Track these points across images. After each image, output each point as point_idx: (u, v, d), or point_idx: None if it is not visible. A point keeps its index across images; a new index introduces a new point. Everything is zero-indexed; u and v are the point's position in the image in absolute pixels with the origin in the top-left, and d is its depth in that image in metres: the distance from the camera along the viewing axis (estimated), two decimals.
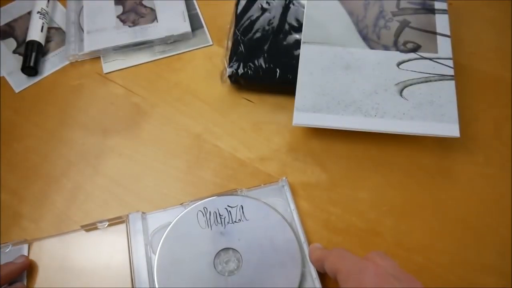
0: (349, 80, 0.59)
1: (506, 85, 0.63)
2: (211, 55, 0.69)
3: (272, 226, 0.53)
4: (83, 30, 0.71)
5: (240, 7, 0.69)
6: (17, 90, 0.67)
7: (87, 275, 0.51)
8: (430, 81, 0.59)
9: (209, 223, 0.53)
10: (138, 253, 0.51)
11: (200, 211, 0.54)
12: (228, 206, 0.54)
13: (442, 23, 0.63)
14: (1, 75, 0.68)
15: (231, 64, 0.63)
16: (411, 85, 0.58)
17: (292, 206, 0.55)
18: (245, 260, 0.50)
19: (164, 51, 0.70)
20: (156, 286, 0.49)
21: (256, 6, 0.69)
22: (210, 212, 0.53)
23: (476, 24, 0.69)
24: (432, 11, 0.65)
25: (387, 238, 0.53)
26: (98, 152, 0.61)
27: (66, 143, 0.62)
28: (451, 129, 0.55)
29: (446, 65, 0.60)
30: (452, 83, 0.58)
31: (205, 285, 0.49)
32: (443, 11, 0.64)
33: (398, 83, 0.58)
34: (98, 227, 0.54)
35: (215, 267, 0.50)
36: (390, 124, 0.55)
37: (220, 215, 0.53)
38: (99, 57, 0.70)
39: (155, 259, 0.51)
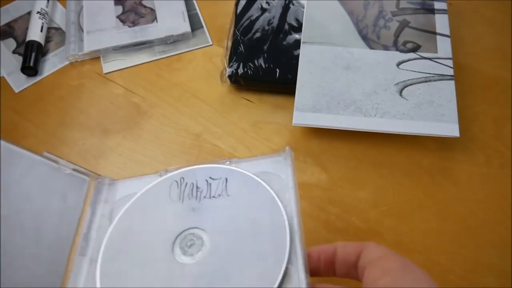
0: (349, 80, 0.59)
1: (506, 85, 0.63)
2: (211, 55, 0.69)
3: (259, 206, 0.43)
4: (83, 30, 0.71)
5: (240, 7, 0.69)
6: (17, 90, 0.67)
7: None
8: (430, 81, 0.59)
9: (181, 196, 0.44)
10: (91, 222, 0.44)
11: (176, 181, 0.45)
12: (210, 178, 0.45)
13: (442, 23, 0.63)
14: (1, 75, 0.68)
15: (231, 64, 0.63)
16: (411, 85, 0.58)
17: (291, 183, 0.43)
18: (213, 246, 0.40)
19: (164, 51, 0.70)
20: (98, 265, 0.40)
21: (256, 6, 0.69)
22: (186, 184, 0.45)
23: (476, 24, 0.69)
24: (432, 11, 0.65)
25: (387, 238, 0.53)
26: (98, 152, 0.61)
27: (66, 143, 0.62)
28: (451, 129, 0.55)
29: (446, 65, 0.60)
30: (452, 83, 0.58)
31: (155, 270, 0.40)
32: (443, 11, 0.64)
33: (398, 83, 0.58)
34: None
35: (173, 250, 0.41)
36: (390, 124, 0.55)
37: (197, 187, 0.44)
38: (99, 57, 0.70)
39: (108, 232, 0.42)
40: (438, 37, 0.62)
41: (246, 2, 0.69)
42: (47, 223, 0.41)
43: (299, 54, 0.62)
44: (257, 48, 0.65)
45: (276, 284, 0.37)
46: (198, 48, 0.70)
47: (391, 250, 0.37)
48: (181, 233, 0.42)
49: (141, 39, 0.69)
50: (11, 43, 0.72)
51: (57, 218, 0.42)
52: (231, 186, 0.44)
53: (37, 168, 0.42)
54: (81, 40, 0.70)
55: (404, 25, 0.63)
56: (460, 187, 0.56)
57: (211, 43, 0.70)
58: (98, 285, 0.39)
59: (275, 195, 0.43)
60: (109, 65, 0.69)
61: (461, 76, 0.63)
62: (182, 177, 0.45)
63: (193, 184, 0.45)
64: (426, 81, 0.59)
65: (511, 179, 0.56)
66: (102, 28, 0.71)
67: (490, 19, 0.70)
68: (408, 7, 0.65)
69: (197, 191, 0.44)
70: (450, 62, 0.60)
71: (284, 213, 0.41)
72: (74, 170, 0.45)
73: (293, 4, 0.68)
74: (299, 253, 0.38)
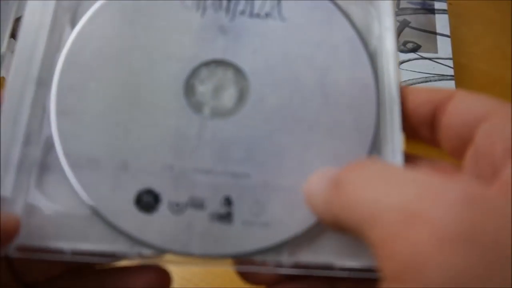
0: None
1: (506, 85, 0.61)
2: None
3: (333, 47, 0.28)
4: None
5: None
6: None
7: None
8: (430, 81, 0.58)
9: (202, 3, 0.28)
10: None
11: None
12: None
13: (442, 23, 0.62)
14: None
15: None
16: (411, 85, 0.57)
17: (388, 22, 0.29)
18: (254, 94, 0.27)
19: None
20: (52, 96, 0.27)
21: None
22: None
23: (476, 24, 0.68)
24: (432, 11, 0.64)
25: None
26: None
27: None
28: None
29: (446, 65, 0.59)
30: (452, 83, 0.57)
31: (151, 120, 0.27)
32: (443, 11, 0.63)
33: None
34: None
35: (185, 92, 0.27)
36: None
37: None
38: None
39: (68, 43, 0.27)
40: (438, 37, 0.61)
41: None
42: None
43: None
44: None
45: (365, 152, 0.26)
46: None
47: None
48: (198, 66, 0.27)
49: None
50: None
51: None
52: (287, 5, 0.28)
53: None
54: None
55: (404, 25, 0.63)
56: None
57: None
58: (52, 126, 0.26)
59: (356, 33, 0.28)
60: None
61: (461, 76, 0.61)
62: None
63: None
64: (426, 81, 0.58)
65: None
66: None
67: (490, 19, 0.68)
68: (408, 7, 0.64)
69: (229, 1, 0.28)
70: (450, 62, 0.59)
71: (367, 61, 0.28)
72: None
73: None
74: (395, 133, 0.26)
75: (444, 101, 0.25)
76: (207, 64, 0.27)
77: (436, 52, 0.59)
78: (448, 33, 0.61)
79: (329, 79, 0.27)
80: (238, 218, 0.26)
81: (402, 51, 0.60)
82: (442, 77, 0.57)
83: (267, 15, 0.28)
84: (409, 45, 0.60)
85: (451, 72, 0.58)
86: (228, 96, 0.27)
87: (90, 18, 0.28)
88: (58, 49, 0.27)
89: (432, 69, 0.58)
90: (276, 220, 0.26)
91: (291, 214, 0.26)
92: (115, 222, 0.25)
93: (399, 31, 0.62)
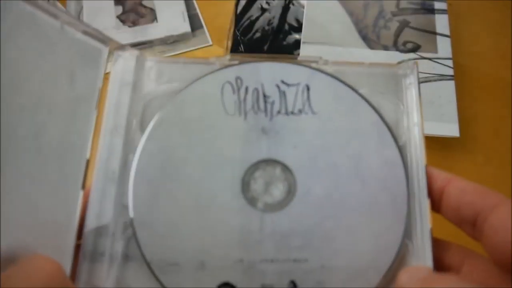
0: None
1: (506, 85, 0.63)
2: (211, 55, 0.68)
3: (363, 134, 0.31)
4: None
5: (240, 7, 0.69)
6: None
7: None
8: (430, 81, 0.59)
9: (242, 108, 0.31)
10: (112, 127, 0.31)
11: (229, 82, 0.32)
12: (282, 82, 0.32)
13: (441, 23, 0.63)
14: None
15: None
16: None
17: (416, 117, 0.31)
18: (301, 187, 0.30)
19: (164, 51, 0.69)
20: (130, 212, 0.30)
21: (256, 6, 0.68)
22: (246, 88, 0.31)
23: (476, 24, 0.69)
24: (431, 11, 0.65)
25: None
26: None
27: None
28: (451, 129, 0.55)
29: (446, 65, 0.60)
30: (452, 83, 0.59)
31: (219, 221, 0.30)
32: (442, 11, 0.65)
33: None
34: None
35: (243, 192, 0.30)
36: None
37: (265, 96, 0.31)
38: None
39: (138, 151, 0.30)
40: (438, 37, 0.62)
41: (246, 2, 0.69)
42: (50, 121, 0.27)
43: (299, 54, 0.62)
44: (257, 48, 0.64)
45: (395, 251, 0.29)
46: (198, 48, 0.70)
47: None
48: (252, 166, 0.30)
49: (141, 39, 0.69)
50: None
51: (63, 113, 0.28)
52: (316, 98, 0.31)
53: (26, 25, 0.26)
54: None
55: (404, 25, 0.64)
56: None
57: (211, 43, 0.70)
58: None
59: (384, 124, 0.31)
60: (109, 65, 0.69)
61: (461, 76, 0.63)
62: (239, 77, 0.32)
63: (257, 90, 0.31)
64: (426, 81, 0.59)
65: (510, 179, 0.56)
66: (102, 28, 0.70)
67: (490, 19, 0.69)
68: (408, 7, 0.65)
69: (265, 101, 0.31)
70: (450, 62, 0.60)
71: (396, 150, 0.31)
72: (85, 32, 0.30)
73: (293, 4, 0.68)
74: (424, 223, 0.30)
75: (487, 210, 0.27)
76: (257, 163, 0.31)
77: (436, 52, 0.61)
78: (448, 33, 0.62)
79: (363, 164, 0.31)
80: None
81: (401, 51, 0.61)
82: (442, 77, 0.59)
83: (300, 111, 0.31)
84: (409, 45, 0.62)
85: (451, 72, 0.59)
86: (278, 191, 0.31)
87: (154, 126, 0.31)
88: (132, 150, 0.31)
89: (432, 69, 0.59)
90: None
91: None
92: None
93: (399, 31, 0.63)
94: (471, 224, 0.28)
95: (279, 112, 0.31)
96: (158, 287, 0.29)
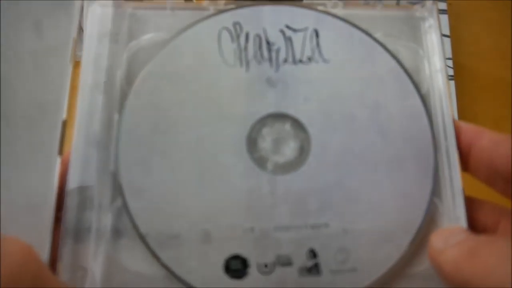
0: None
1: (506, 85, 0.61)
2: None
3: (380, 82, 0.28)
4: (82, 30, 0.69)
5: None
6: None
7: None
8: None
9: (243, 57, 0.27)
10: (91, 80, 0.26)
11: (226, 28, 0.28)
12: (287, 26, 0.28)
13: (441, 23, 0.61)
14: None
15: None
16: None
17: (439, 62, 0.29)
18: (315, 143, 0.27)
19: None
20: (119, 179, 0.26)
21: None
22: (247, 35, 0.28)
23: (475, 24, 0.68)
24: None
25: None
26: None
27: None
28: None
29: (446, 65, 0.57)
30: (452, 83, 0.57)
31: (223, 185, 0.26)
32: (442, 11, 0.63)
33: None
34: None
35: (249, 152, 0.27)
36: None
37: (268, 42, 0.28)
38: None
39: (123, 116, 0.26)
40: None
41: None
42: (13, 78, 0.24)
43: None
44: None
45: (423, 211, 0.26)
46: None
47: None
48: (258, 121, 0.27)
49: None
50: None
51: (29, 68, 0.25)
52: (326, 44, 0.28)
53: None
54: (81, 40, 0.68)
55: None
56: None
57: None
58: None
59: (404, 71, 0.28)
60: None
61: (461, 76, 0.61)
62: (238, 22, 0.28)
63: (259, 36, 0.28)
64: None
65: (510, 179, 0.53)
66: None
67: (490, 19, 0.68)
68: None
69: (269, 48, 0.27)
70: (449, 62, 0.59)
71: (419, 100, 0.28)
72: None
73: None
74: (455, 178, 0.27)
75: None
76: (264, 119, 0.27)
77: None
78: (447, 33, 0.61)
79: (382, 115, 0.27)
80: (326, 268, 0.25)
81: None
82: None
83: (310, 59, 0.28)
84: None
85: (450, 72, 0.58)
86: (290, 149, 0.27)
87: (142, 80, 0.27)
88: (116, 109, 0.27)
89: None
90: (363, 263, 0.26)
91: (375, 255, 0.26)
92: None
93: None
94: (505, 179, 0.25)
95: (285, 60, 0.27)
96: (157, 265, 0.24)
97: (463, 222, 0.26)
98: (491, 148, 0.26)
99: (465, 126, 0.27)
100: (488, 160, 0.26)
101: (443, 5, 0.63)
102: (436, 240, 0.24)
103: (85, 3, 0.27)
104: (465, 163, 0.27)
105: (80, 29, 0.26)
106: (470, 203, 0.27)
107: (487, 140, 0.26)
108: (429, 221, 0.26)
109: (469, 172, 0.27)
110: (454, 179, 0.26)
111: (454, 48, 0.60)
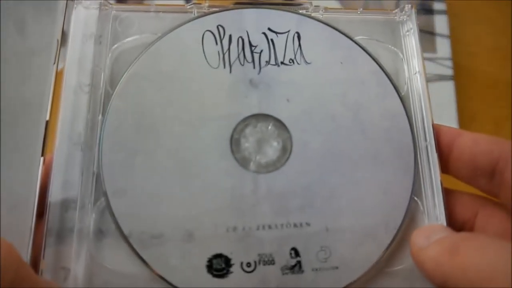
0: None
1: (506, 85, 0.61)
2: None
3: (361, 83, 0.29)
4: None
5: None
6: None
7: None
8: (429, 81, 0.57)
9: (226, 59, 0.28)
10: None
11: (209, 31, 0.28)
12: (269, 29, 0.29)
13: (441, 23, 0.62)
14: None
15: None
16: None
17: (417, 64, 0.30)
18: (297, 143, 0.27)
19: None
20: (102, 180, 0.26)
21: None
22: (230, 37, 0.28)
23: (475, 24, 0.67)
24: (430, 11, 0.63)
25: None
26: None
27: None
28: None
29: (445, 66, 0.58)
30: (451, 83, 0.57)
31: (206, 185, 0.26)
32: (442, 12, 0.63)
33: None
34: None
35: (232, 152, 0.27)
36: None
37: (251, 45, 0.28)
38: None
39: (110, 106, 0.27)
40: (437, 37, 0.61)
41: None
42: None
43: None
44: None
45: (404, 209, 0.27)
46: None
47: None
48: (240, 122, 0.27)
49: None
50: None
51: (12, 68, 0.25)
52: (308, 46, 0.29)
53: None
54: None
55: None
56: (460, 187, 0.53)
57: None
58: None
59: (383, 71, 0.29)
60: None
61: (460, 76, 0.61)
62: (221, 25, 0.28)
63: (242, 39, 0.28)
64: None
65: (510, 179, 0.53)
66: None
67: (490, 19, 0.68)
68: None
69: (252, 50, 0.28)
70: (449, 63, 0.59)
71: (397, 97, 0.28)
72: None
73: None
74: (434, 177, 0.27)
75: (507, 157, 0.25)
76: (247, 119, 0.27)
77: (435, 53, 0.59)
78: (447, 33, 0.61)
79: (363, 115, 0.28)
80: (308, 266, 0.25)
81: None
82: (441, 78, 0.57)
83: (292, 61, 0.28)
84: None
85: (450, 72, 0.58)
86: (273, 149, 0.27)
87: (126, 81, 0.27)
88: (100, 110, 0.27)
89: (431, 69, 0.57)
90: (345, 262, 0.26)
91: (357, 254, 0.26)
92: None
93: None
94: (487, 177, 0.26)
95: (268, 62, 0.28)
96: (139, 265, 0.24)
97: (443, 220, 0.26)
98: (471, 146, 0.26)
99: (445, 128, 0.28)
100: (469, 158, 0.26)
101: (442, 6, 0.63)
102: (418, 237, 0.24)
103: (69, 3, 0.27)
104: (446, 164, 0.27)
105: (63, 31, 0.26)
106: (448, 195, 0.27)
107: (467, 139, 0.26)
108: (410, 220, 0.27)
109: (450, 173, 0.28)
110: (434, 178, 0.27)
111: (454, 48, 0.60)
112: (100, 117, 0.26)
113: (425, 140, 0.27)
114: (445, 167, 0.27)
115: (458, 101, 0.55)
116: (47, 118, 0.24)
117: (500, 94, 0.60)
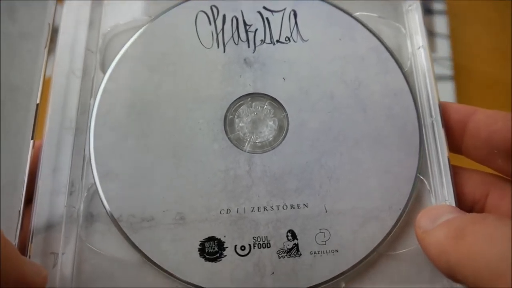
0: None
1: (506, 85, 0.60)
2: None
3: (361, 60, 0.28)
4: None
5: None
6: None
7: None
8: None
9: (219, 39, 0.28)
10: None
11: (203, 11, 0.28)
12: (265, 8, 0.28)
13: (440, 23, 0.62)
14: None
15: None
16: None
17: (422, 41, 0.28)
18: (294, 122, 0.26)
19: None
20: (92, 163, 0.25)
21: None
22: (224, 17, 0.28)
23: (475, 24, 0.67)
24: (430, 11, 0.63)
25: None
26: None
27: None
28: None
29: (445, 66, 0.58)
30: (451, 83, 0.57)
31: (199, 166, 0.25)
32: (441, 12, 0.63)
33: None
34: None
35: (226, 132, 0.26)
36: None
37: (245, 24, 0.28)
38: None
39: (100, 90, 0.27)
40: (437, 37, 0.60)
41: None
42: None
43: None
44: None
45: (408, 191, 0.25)
46: None
47: None
48: (234, 102, 0.27)
49: None
50: None
51: (2, 52, 0.25)
52: (305, 24, 0.28)
53: None
54: None
55: None
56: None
57: None
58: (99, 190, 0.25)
59: (385, 47, 0.28)
60: None
61: (460, 76, 0.60)
62: (215, 5, 0.28)
63: (236, 18, 0.28)
64: None
65: (510, 179, 0.51)
66: None
67: (490, 19, 0.67)
68: None
69: (246, 29, 0.28)
70: (449, 63, 0.58)
71: (403, 77, 0.27)
72: None
73: None
74: (442, 155, 0.26)
75: None
76: (241, 99, 0.27)
77: (435, 53, 0.59)
78: (447, 33, 0.61)
79: (363, 92, 0.27)
80: (306, 249, 0.24)
81: None
82: (441, 78, 0.56)
83: (288, 39, 0.28)
84: None
85: (450, 72, 0.57)
86: (268, 128, 0.27)
87: (117, 63, 0.27)
88: (91, 94, 0.27)
89: None
90: (345, 245, 0.25)
91: (358, 236, 0.25)
92: (183, 278, 0.24)
93: None
94: (505, 156, 0.24)
95: (263, 41, 0.27)
96: (130, 249, 0.24)
97: (452, 200, 0.24)
98: (488, 124, 0.25)
99: (456, 105, 0.26)
100: (486, 136, 0.24)
101: (442, 6, 0.63)
102: (423, 219, 0.23)
103: None
104: (459, 143, 0.26)
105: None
106: (457, 174, 0.25)
107: (483, 116, 0.25)
108: (416, 200, 0.25)
109: (463, 153, 0.26)
110: (442, 156, 0.25)
111: (454, 48, 0.60)
112: (92, 100, 0.26)
113: (431, 116, 0.26)
114: (457, 147, 0.26)
115: (458, 101, 0.55)
116: (37, 102, 0.24)
117: (500, 94, 0.60)
